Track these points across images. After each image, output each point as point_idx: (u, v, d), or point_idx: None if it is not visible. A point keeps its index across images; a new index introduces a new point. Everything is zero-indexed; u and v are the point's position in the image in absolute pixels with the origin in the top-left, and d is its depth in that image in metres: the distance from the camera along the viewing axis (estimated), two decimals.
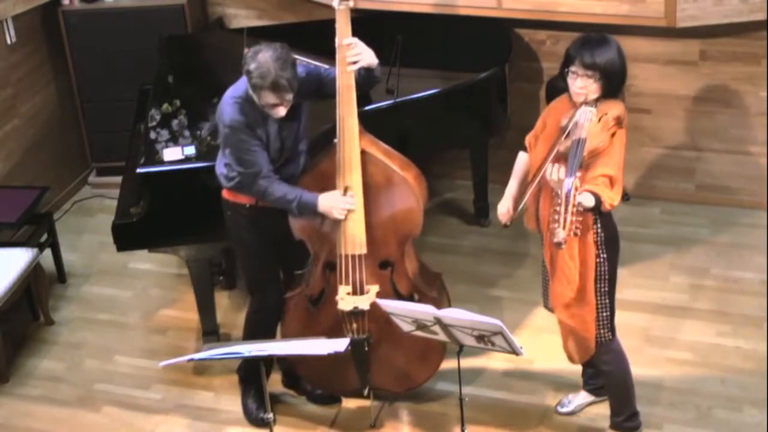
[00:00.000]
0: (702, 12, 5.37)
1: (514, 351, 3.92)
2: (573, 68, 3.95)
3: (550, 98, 5.87)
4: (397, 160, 4.39)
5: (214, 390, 4.99)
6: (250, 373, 4.75)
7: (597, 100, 3.99)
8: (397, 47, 5.28)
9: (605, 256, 4.07)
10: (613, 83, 3.98)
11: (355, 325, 4.44)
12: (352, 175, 4.24)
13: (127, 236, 4.82)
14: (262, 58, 4.04)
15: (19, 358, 5.27)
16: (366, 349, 4.47)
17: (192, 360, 4.31)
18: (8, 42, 6.00)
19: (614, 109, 3.98)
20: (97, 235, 6.12)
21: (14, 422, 4.89)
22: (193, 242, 4.84)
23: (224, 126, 4.21)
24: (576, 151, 3.83)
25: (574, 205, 3.72)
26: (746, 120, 5.87)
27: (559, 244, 3.72)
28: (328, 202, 4.22)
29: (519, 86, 5.97)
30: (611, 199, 3.91)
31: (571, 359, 4.36)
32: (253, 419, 4.75)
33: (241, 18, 6.52)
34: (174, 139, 4.87)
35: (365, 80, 4.27)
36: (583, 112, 3.96)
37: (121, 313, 5.57)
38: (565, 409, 4.67)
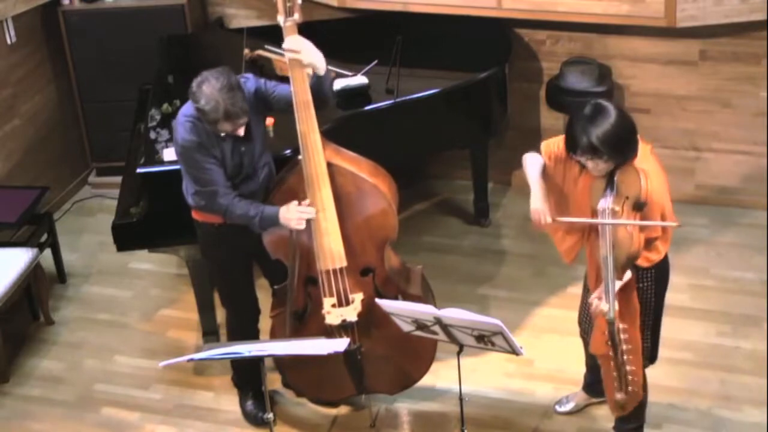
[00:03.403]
0: (702, 12, 5.37)
1: (514, 351, 3.91)
2: (579, 151, 3.74)
3: (550, 98, 5.90)
4: (364, 166, 4.34)
5: (214, 390, 4.99)
6: (245, 378, 4.76)
7: (616, 170, 3.77)
8: (397, 47, 5.28)
9: (653, 290, 4.04)
10: (621, 153, 3.73)
11: (345, 337, 4.41)
12: (322, 190, 4.19)
13: (127, 236, 4.82)
14: (208, 90, 3.99)
15: (19, 358, 5.27)
16: (359, 357, 4.47)
17: (192, 360, 4.31)
18: (8, 42, 6.00)
19: (633, 183, 3.74)
20: (97, 235, 6.12)
21: (14, 422, 4.89)
22: (192, 242, 4.83)
23: (177, 145, 4.19)
24: (605, 270, 3.70)
25: (622, 351, 3.75)
26: (746, 120, 5.87)
27: (623, 408, 3.85)
28: (285, 213, 4.16)
29: (519, 86, 5.97)
30: (646, 260, 3.88)
31: (617, 409, 4.23)
32: (252, 420, 4.76)
33: (241, 18, 6.52)
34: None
35: (315, 87, 4.11)
36: (603, 214, 3.73)
37: (121, 313, 5.57)
38: (563, 408, 4.67)
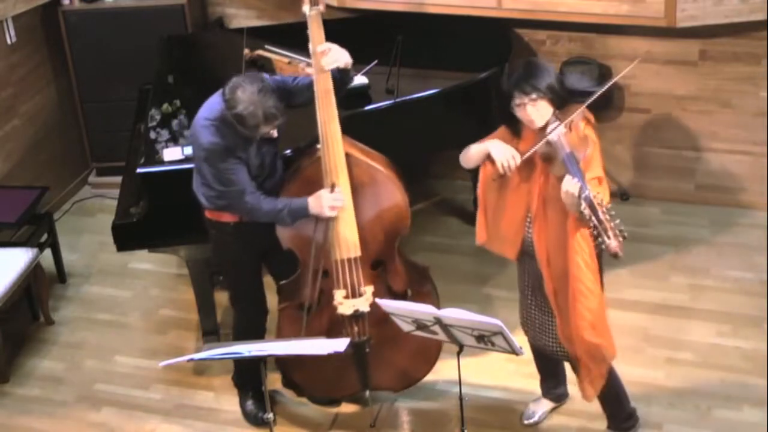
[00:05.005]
0: (702, 12, 5.37)
1: (514, 351, 3.92)
2: (517, 101, 3.92)
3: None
4: (378, 159, 4.37)
5: (214, 390, 4.99)
6: (246, 378, 4.77)
7: (558, 113, 3.96)
8: (397, 47, 5.28)
9: (600, 266, 4.07)
10: (559, 94, 3.95)
11: (356, 328, 4.43)
12: (339, 180, 4.21)
13: (127, 236, 4.82)
14: (245, 96, 3.99)
15: (19, 358, 5.27)
16: (367, 350, 4.47)
17: (192, 360, 4.32)
18: (8, 42, 6.00)
19: (575, 112, 3.95)
20: (97, 235, 6.12)
21: (14, 422, 4.90)
22: (192, 242, 4.84)
23: (201, 149, 4.16)
24: (572, 167, 3.79)
25: (603, 211, 3.71)
26: (746, 120, 5.87)
27: (616, 255, 3.72)
28: (317, 201, 4.18)
29: None
30: (604, 199, 3.90)
31: (589, 393, 4.23)
32: (252, 420, 4.76)
33: (241, 18, 6.52)
34: (174, 139, 4.87)
35: (339, 82, 4.22)
36: (552, 129, 3.91)
37: (121, 313, 5.57)
38: (530, 420, 4.66)
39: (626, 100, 6.01)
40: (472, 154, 4.15)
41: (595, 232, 3.72)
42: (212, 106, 4.17)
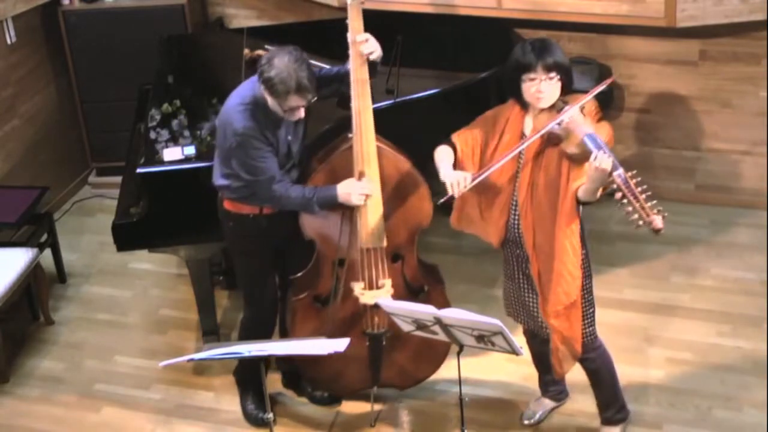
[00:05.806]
0: (702, 12, 5.37)
1: (514, 351, 3.92)
2: (532, 75, 3.90)
3: None
4: (402, 152, 4.41)
5: (214, 390, 4.99)
6: (247, 376, 4.76)
7: (563, 97, 3.98)
8: (397, 47, 5.28)
9: (585, 251, 4.10)
10: (570, 78, 3.98)
11: (376, 320, 4.45)
12: (370, 169, 4.23)
13: (127, 236, 4.82)
14: (280, 63, 3.99)
15: (19, 358, 5.27)
16: (383, 343, 4.49)
17: (192, 360, 4.31)
18: (8, 42, 6.00)
19: (585, 97, 3.97)
20: (97, 235, 6.13)
21: (14, 422, 4.90)
22: (193, 242, 4.85)
23: (235, 134, 4.12)
24: (596, 145, 3.77)
25: (638, 190, 3.72)
26: (746, 120, 5.87)
27: (659, 231, 3.74)
28: (346, 189, 4.19)
29: None
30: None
31: (558, 371, 4.29)
32: (252, 420, 4.76)
33: (241, 18, 6.52)
34: (174, 139, 4.87)
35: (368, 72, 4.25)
36: (566, 110, 3.91)
37: (121, 313, 5.57)
38: (530, 421, 4.66)
39: (626, 100, 6.01)
40: (435, 161, 4.16)
41: (629, 208, 3.73)
42: (243, 92, 4.17)
